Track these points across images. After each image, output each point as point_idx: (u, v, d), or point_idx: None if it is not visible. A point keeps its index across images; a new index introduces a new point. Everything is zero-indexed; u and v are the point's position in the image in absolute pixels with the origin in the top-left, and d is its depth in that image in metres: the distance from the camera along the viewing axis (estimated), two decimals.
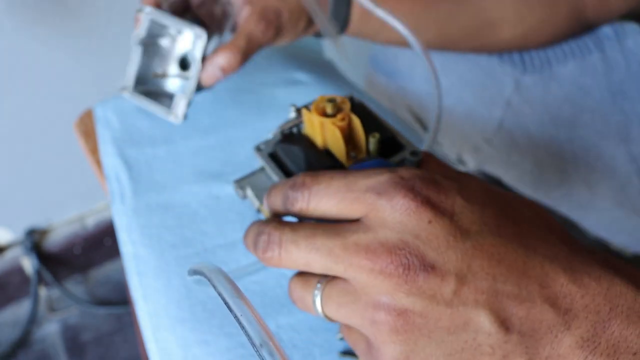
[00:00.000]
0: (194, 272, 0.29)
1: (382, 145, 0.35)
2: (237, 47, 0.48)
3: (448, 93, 0.68)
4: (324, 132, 0.36)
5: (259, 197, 0.37)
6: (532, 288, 0.25)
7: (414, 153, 0.36)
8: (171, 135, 0.60)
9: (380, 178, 0.27)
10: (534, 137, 0.65)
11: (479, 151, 0.70)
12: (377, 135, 0.34)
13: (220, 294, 0.26)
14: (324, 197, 0.29)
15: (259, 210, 0.37)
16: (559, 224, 0.29)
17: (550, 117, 0.65)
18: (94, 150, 0.61)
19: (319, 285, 0.30)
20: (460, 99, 0.68)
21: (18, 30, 0.96)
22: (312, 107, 0.36)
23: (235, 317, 0.25)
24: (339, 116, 0.35)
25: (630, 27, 0.64)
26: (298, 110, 0.38)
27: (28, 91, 1.04)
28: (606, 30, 0.64)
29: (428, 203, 0.26)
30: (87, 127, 0.63)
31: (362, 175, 0.28)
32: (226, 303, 0.26)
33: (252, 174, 0.38)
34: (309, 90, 0.62)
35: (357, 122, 0.35)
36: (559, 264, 0.25)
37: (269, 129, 0.39)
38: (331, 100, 0.35)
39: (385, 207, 0.26)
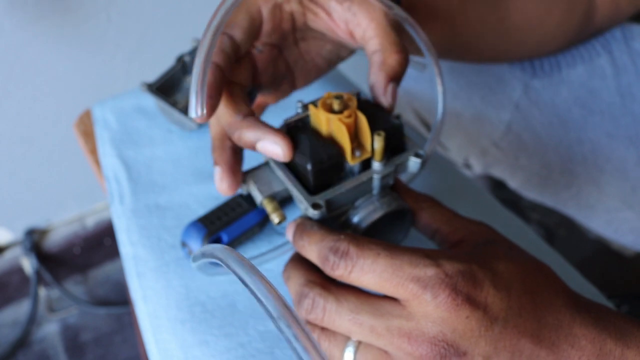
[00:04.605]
0: (202, 255, 0.30)
1: (386, 144, 0.35)
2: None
3: (456, 96, 0.68)
4: (330, 129, 0.36)
5: (262, 191, 0.37)
6: (542, 356, 0.30)
7: (418, 154, 0.36)
8: (169, 135, 0.60)
9: (426, 271, 0.30)
10: (543, 140, 0.65)
11: (487, 154, 0.70)
12: (382, 133, 0.34)
13: (234, 271, 0.28)
14: (368, 274, 0.31)
15: (261, 204, 0.37)
16: (563, 282, 0.33)
17: (560, 120, 0.64)
18: (93, 150, 0.61)
19: (351, 343, 0.33)
20: (468, 102, 0.68)
21: (18, 31, 0.95)
22: (318, 103, 0.36)
23: (252, 291, 0.27)
24: (346, 113, 0.35)
25: (637, 29, 0.64)
26: (305, 106, 0.38)
27: (28, 91, 1.04)
28: (614, 32, 0.64)
29: (467, 300, 0.30)
30: (86, 127, 0.63)
31: (407, 262, 0.31)
32: (241, 279, 0.27)
33: (256, 168, 0.38)
34: (311, 90, 0.62)
35: (363, 119, 0.35)
36: (562, 331, 0.31)
37: None
38: (338, 97, 0.35)
39: (430, 302, 0.30)
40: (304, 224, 0.35)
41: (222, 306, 0.46)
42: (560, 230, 1.19)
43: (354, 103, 0.35)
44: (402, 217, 0.38)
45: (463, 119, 0.68)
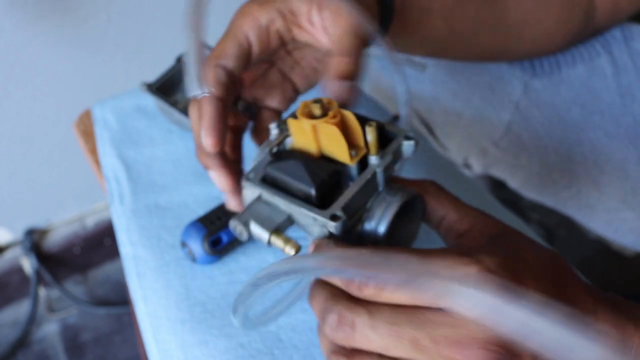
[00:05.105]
0: (268, 277, 0.29)
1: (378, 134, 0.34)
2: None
3: (456, 96, 0.68)
4: (318, 136, 0.34)
5: (266, 227, 0.33)
6: None
7: (408, 137, 0.35)
8: (169, 135, 0.60)
9: (468, 270, 0.27)
10: (543, 140, 0.65)
11: (486, 154, 0.70)
12: (374, 123, 0.33)
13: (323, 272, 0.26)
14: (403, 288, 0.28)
15: (269, 242, 0.33)
16: (578, 276, 0.32)
17: (560, 120, 0.64)
18: (93, 150, 0.61)
19: None
20: (468, 102, 0.67)
21: (18, 31, 0.95)
22: (297, 114, 0.34)
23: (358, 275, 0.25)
24: (331, 114, 0.33)
25: (637, 29, 0.64)
26: (280, 125, 0.36)
27: (28, 91, 1.04)
28: (613, 32, 0.64)
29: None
30: (86, 127, 0.63)
31: (444, 265, 0.28)
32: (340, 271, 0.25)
33: (248, 208, 0.34)
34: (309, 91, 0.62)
35: (350, 116, 0.33)
36: (589, 319, 0.29)
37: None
38: (317, 101, 0.34)
39: None
40: (321, 245, 0.32)
41: (222, 306, 0.46)
42: (560, 230, 1.19)
43: (334, 104, 0.34)
44: (412, 207, 0.36)
45: (463, 119, 0.68)
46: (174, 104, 0.58)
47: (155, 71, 0.62)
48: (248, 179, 0.35)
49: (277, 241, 0.33)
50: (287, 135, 0.36)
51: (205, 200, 0.53)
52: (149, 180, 0.56)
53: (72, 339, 1.23)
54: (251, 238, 0.34)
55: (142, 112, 0.62)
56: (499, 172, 0.72)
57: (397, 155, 0.36)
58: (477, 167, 0.73)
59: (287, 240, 0.33)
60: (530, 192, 0.72)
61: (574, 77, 0.64)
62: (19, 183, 1.15)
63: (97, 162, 0.59)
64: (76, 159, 1.13)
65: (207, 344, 0.43)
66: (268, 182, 0.34)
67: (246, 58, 0.40)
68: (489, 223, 0.33)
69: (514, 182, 0.72)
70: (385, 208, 0.34)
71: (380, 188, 0.35)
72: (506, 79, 0.66)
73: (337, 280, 0.30)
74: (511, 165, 0.69)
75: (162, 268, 0.49)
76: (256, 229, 0.33)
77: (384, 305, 0.28)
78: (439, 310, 0.28)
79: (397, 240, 0.36)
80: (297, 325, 0.44)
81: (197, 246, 0.47)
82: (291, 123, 0.34)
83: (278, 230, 0.33)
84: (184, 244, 0.48)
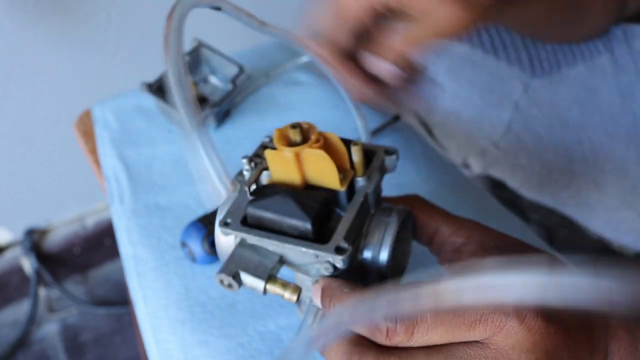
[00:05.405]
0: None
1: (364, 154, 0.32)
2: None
3: (456, 96, 0.68)
4: (302, 164, 0.31)
5: (259, 275, 0.30)
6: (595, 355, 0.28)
7: (389, 152, 0.34)
8: (169, 135, 0.60)
9: None
10: (543, 140, 0.65)
11: (486, 154, 0.70)
12: (359, 142, 0.31)
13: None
14: (437, 327, 0.26)
15: (265, 292, 0.30)
16: None
17: (559, 119, 0.64)
18: (93, 150, 0.61)
19: None
20: (468, 102, 0.67)
21: (18, 31, 0.95)
22: (275, 142, 0.31)
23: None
24: (313, 138, 0.30)
25: (638, 29, 0.64)
26: (252, 161, 0.33)
27: (28, 91, 1.04)
28: (615, 31, 0.64)
29: (548, 313, 0.26)
30: (86, 127, 0.63)
31: None
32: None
33: (232, 257, 0.31)
34: (309, 90, 0.62)
35: (334, 137, 0.31)
36: (602, 324, 0.28)
37: (267, 129, 0.38)
38: (295, 126, 0.31)
39: (519, 328, 0.25)
40: (330, 287, 0.29)
41: (222, 306, 0.46)
42: (561, 230, 1.19)
43: (314, 127, 0.31)
44: (405, 225, 0.34)
45: (462, 119, 0.68)
46: (174, 104, 0.58)
47: (155, 71, 0.62)
48: (226, 225, 0.31)
49: (275, 288, 0.30)
50: (264, 169, 0.33)
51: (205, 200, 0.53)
52: (149, 180, 0.56)
53: (72, 339, 1.23)
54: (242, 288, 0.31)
55: (142, 112, 0.62)
56: (499, 172, 0.72)
57: (383, 172, 0.34)
58: (477, 167, 0.73)
59: (285, 285, 0.30)
60: (529, 192, 0.72)
61: (574, 76, 0.64)
62: (19, 183, 1.15)
63: (97, 162, 0.59)
64: (76, 159, 1.13)
65: (207, 344, 0.43)
66: (250, 224, 0.31)
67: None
68: (488, 234, 0.31)
69: (513, 182, 0.72)
70: (384, 231, 0.32)
71: (372, 210, 0.33)
72: (506, 79, 0.66)
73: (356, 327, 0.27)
74: (511, 165, 0.69)
75: (162, 268, 0.49)
76: (249, 279, 0.30)
77: (416, 349, 0.27)
78: (475, 343, 0.26)
79: (396, 262, 0.33)
80: (296, 326, 0.44)
81: (197, 246, 0.47)
82: (269, 154, 0.31)
83: (272, 275, 0.30)
84: (184, 244, 0.48)
